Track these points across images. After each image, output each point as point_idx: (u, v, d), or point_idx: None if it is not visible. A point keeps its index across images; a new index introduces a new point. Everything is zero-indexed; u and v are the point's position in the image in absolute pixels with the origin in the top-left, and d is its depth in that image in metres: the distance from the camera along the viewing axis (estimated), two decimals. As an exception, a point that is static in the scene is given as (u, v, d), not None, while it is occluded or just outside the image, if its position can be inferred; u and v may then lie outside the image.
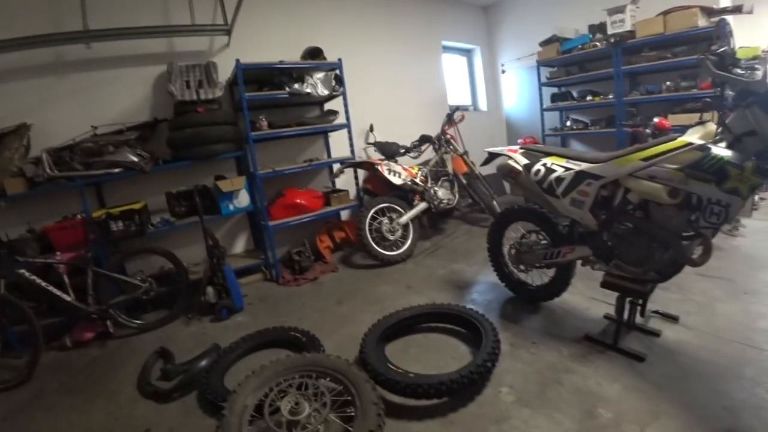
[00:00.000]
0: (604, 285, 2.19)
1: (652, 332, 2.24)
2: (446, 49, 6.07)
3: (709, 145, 1.73)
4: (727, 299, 2.54)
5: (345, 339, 2.56)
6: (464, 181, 4.63)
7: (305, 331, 2.55)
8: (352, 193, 4.52)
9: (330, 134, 4.67)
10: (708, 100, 3.87)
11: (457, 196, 4.47)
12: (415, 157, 4.74)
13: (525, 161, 2.41)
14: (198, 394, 2.18)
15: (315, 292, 3.54)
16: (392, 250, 3.88)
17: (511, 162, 2.48)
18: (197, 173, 3.90)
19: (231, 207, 3.80)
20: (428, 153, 4.72)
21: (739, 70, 1.68)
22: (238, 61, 3.59)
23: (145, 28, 3.63)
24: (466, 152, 4.88)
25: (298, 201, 4.01)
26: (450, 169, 4.52)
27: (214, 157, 3.66)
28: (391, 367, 2.00)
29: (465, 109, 4.92)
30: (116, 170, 3.33)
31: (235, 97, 4.00)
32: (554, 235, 2.46)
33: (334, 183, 4.70)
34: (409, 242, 3.97)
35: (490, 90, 6.58)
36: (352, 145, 4.21)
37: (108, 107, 3.66)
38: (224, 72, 3.89)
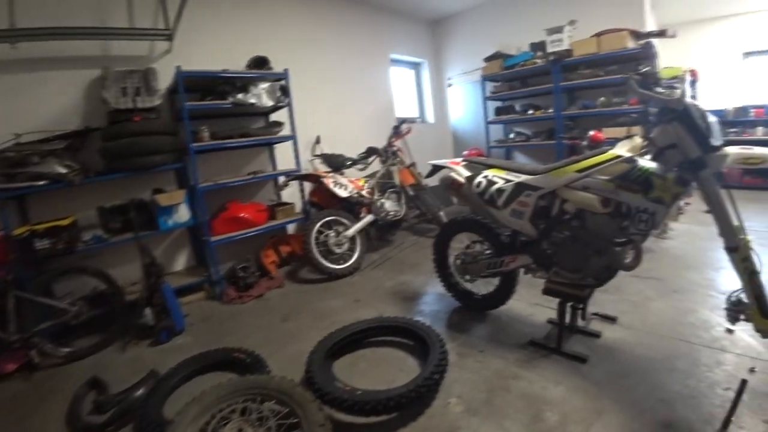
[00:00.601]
0: (546, 292, 2.29)
1: (593, 334, 2.39)
2: (394, 62, 6.19)
3: (636, 158, 1.87)
4: (658, 298, 2.78)
5: (291, 357, 2.50)
6: (411, 193, 4.72)
7: (249, 352, 2.47)
8: (299, 206, 4.46)
9: (275, 146, 4.59)
10: (634, 115, 4.23)
11: (404, 207, 4.55)
12: (362, 169, 4.77)
13: (467, 173, 2.50)
14: (134, 426, 2.04)
15: (260, 309, 3.45)
16: (339, 264, 3.87)
17: (453, 174, 2.56)
18: (134, 186, 3.70)
19: (170, 222, 3.62)
20: (375, 165, 4.77)
21: (660, 89, 1.83)
22: (178, 68, 3.46)
23: (79, 28, 3.38)
24: (413, 164, 4.99)
25: (242, 215, 3.90)
26: (397, 181, 4.59)
27: (151, 169, 3.48)
28: (338, 384, 1.98)
29: (412, 121, 5.04)
30: (41, 182, 3.07)
31: (175, 106, 3.84)
32: (497, 244, 2.55)
33: (279, 196, 4.63)
34: (356, 255, 3.98)
35: (438, 103, 6.78)
36: (297, 157, 4.16)
37: (34, 113, 3.36)
38: (165, 79, 3.72)
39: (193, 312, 3.47)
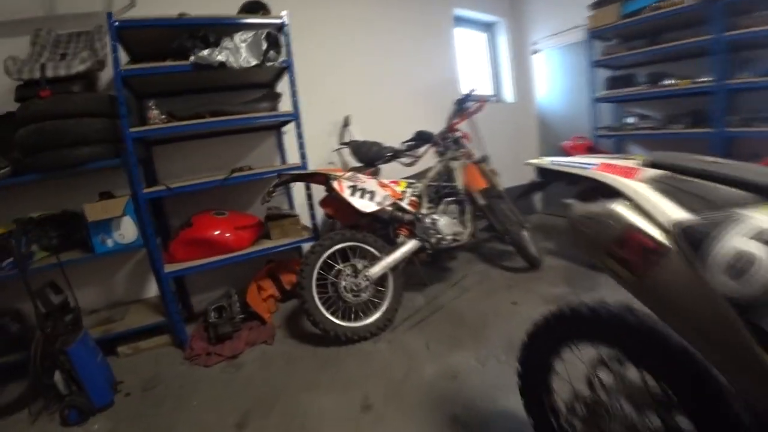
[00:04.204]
0: None
1: None
2: (460, 21, 4.58)
3: None
4: None
5: None
6: (482, 202, 3.15)
7: None
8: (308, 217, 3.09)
9: (285, 131, 3.26)
10: None
11: (470, 226, 2.98)
12: (410, 164, 3.28)
13: (671, 211, 0.78)
14: None
15: (222, 384, 2.17)
16: (357, 319, 2.44)
17: (624, 216, 0.84)
18: (74, 191, 2.62)
19: (109, 243, 2.45)
20: (428, 159, 3.24)
21: None
22: (109, 16, 2.24)
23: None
24: (485, 158, 3.39)
25: (211, 234, 2.61)
26: (460, 183, 3.03)
27: (75, 166, 2.32)
28: None
29: (485, 99, 3.40)
30: None
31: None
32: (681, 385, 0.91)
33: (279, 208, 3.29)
34: (385, 305, 2.50)
35: (519, 75, 5.03)
36: (302, 147, 2.75)
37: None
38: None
39: (142, 367, 2.41)
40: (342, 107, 3.52)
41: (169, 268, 2.50)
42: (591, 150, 3.15)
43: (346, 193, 2.44)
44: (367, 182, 2.58)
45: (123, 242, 2.46)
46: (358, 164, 3.21)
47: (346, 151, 3.39)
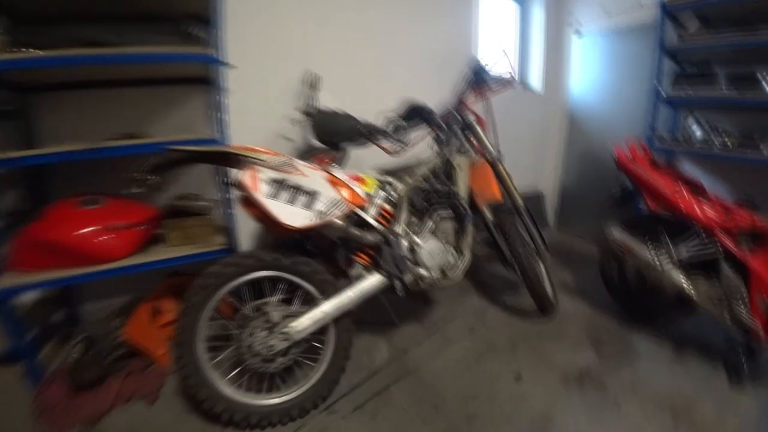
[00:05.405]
0: None
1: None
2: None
3: None
4: None
5: None
6: (490, 218, 2.24)
7: None
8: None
9: (225, 91, 2.27)
10: None
11: (467, 256, 2.04)
12: (393, 152, 2.32)
13: None
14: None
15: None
16: (274, 388, 1.56)
17: None
18: None
19: None
20: (422, 149, 2.30)
21: None
22: None
23: None
24: (498, 157, 2.42)
25: (69, 235, 1.66)
26: (463, 189, 2.10)
27: None
28: None
29: (515, 75, 2.37)
30: None
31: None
32: None
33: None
34: (319, 373, 1.61)
35: (552, 60, 4.04)
36: (221, 110, 1.79)
37: None
38: None
39: None
40: (309, 62, 2.53)
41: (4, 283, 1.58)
42: (655, 166, 2.23)
43: (261, 192, 1.46)
44: (308, 176, 1.57)
45: None
46: (318, 146, 2.25)
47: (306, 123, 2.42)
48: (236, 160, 1.48)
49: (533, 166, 4.08)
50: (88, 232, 1.68)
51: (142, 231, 1.82)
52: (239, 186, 1.46)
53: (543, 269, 2.33)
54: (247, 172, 1.46)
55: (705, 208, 1.88)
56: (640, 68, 3.21)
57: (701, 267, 1.90)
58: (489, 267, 2.96)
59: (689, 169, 3.06)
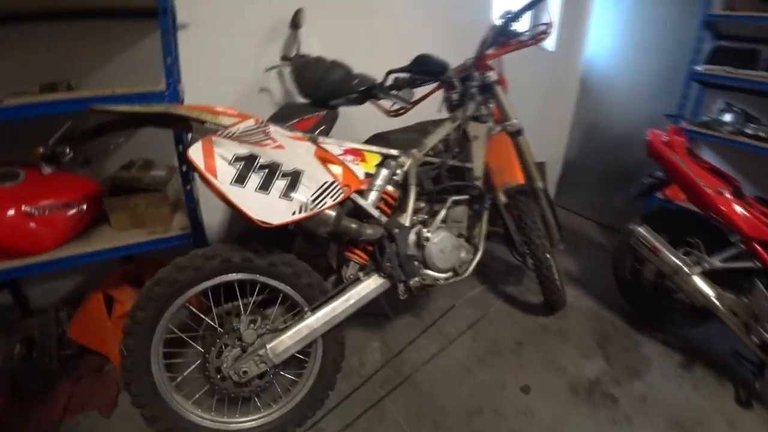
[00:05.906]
0: None
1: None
2: None
3: None
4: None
5: None
6: (504, 200, 1.94)
7: None
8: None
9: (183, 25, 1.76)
10: None
11: (480, 248, 1.72)
12: (396, 113, 1.95)
13: None
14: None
15: None
16: (250, 407, 1.29)
17: None
18: None
19: None
20: (428, 111, 1.91)
21: None
22: None
23: None
24: (519, 130, 2.02)
25: None
26: (479, 167, 1.71)
27: None
28: None
29: (549, 27, 1.91)
30: None
31: None
32: None
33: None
34: (302, 392, 1.33)
35: (570, 15, 3.58)
36: (170, 50, 1.33)
37: None
38: None
39: None
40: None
41: None
42: (693, 156, 1.96)
43: (220, 175, 1.03)
44: (289, 149, 1.19)
45: None
46: (303, 101, 1.82)
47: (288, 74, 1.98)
48: (187, 125, 1.08)
49: (535, 131, 3.72)
50: (2, 217, 1.24)
51: (79, 212, 1.40)
52: (189, 164, 1.04)
53: (553, 264, 2.08)
54: (199, 143, 1.03)
55: (747, 215, 1.65)
56: (669, 37, 2.88)
57: (730, 276, 1.71)
58: (492, 249, 2.67)
59: (709, 157, 2.81)
